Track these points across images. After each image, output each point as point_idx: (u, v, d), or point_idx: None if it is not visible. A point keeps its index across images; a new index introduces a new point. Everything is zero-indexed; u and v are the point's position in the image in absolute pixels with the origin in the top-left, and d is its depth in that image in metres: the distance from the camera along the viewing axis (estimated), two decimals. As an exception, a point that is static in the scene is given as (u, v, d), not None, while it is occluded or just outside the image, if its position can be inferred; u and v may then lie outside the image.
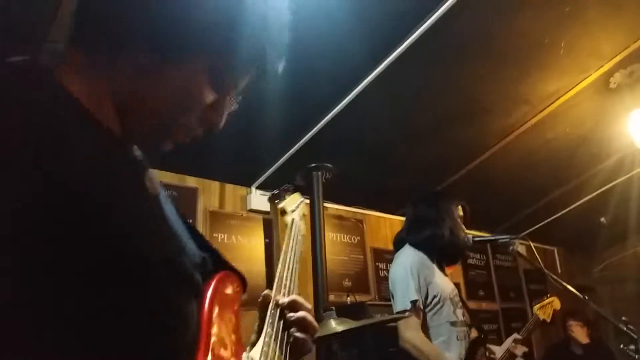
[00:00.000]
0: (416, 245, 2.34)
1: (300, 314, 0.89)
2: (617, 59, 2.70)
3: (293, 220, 1.35)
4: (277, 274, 0.99)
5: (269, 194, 3.25)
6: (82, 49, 0.66)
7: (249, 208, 3.17)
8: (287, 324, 0.88)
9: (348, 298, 3.32)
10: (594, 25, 2.41)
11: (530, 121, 3.09)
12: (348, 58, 2.27)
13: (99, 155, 0.61)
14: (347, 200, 3.63)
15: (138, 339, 0.58)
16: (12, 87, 0.57)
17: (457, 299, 2.31)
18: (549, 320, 2.81)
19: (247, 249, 3.06)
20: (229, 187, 3.17)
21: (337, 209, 3.67)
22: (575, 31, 2.42)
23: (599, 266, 5.42)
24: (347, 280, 3.52)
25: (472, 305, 4.40)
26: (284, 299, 0.91)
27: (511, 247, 2.37)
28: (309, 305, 0.92)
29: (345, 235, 3.67)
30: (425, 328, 2.20)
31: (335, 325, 1.80)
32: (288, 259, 1.09)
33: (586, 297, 2.36)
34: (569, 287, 2.32)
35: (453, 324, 2.23)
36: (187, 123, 0.72)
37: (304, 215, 1.50)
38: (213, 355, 0.68)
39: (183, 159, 2.77)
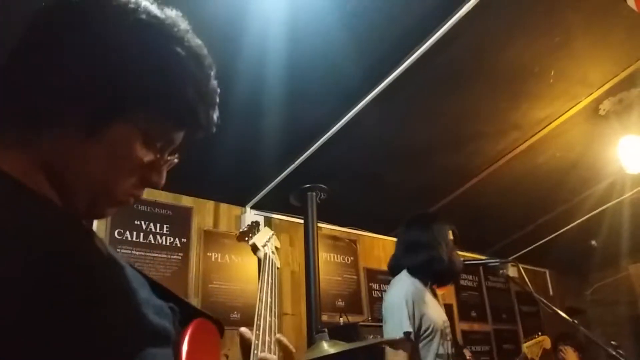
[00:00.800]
0: (412, 270, 2.30)
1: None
2: (606, 86, 2.76)
3: (266, 254, 1.35)
4: (256, 313, 1.00)
5: (264, 214, 3.27)
6: (7, 125, 0.63)
7: (243, 228, 3.19)
8: None
9: (341, 319, 3.33)
10: (583, 54, 2.48)
11: (521, 146, 3.14)
12: (342, 82, 2.32)
13: (47, 227, 0.57)
14: (340, 220, 3.66)
15: None
16: None
17: (447, 330, 2.27)
18: (536, 359, 2.79)
19: (240, 268, 3.07)
20: (223, 206, 3.19)
21: (330, 229, 3.69)
22: (565, 60, 2.48)
23: (591, 289, 5.45)
24: (340, 300, 3.52)
25: (464, 326, 4.42)
26: (262, 355, 0.91)
27: (502, 271, 2.40)
28: (292, 349, 0.93)
29: (338, 256, 3.68)
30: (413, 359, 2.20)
31: (327, 347, 1.81)
32: (265, 296, 1.09)
33: (576, 322, 2.38)
34: (559, 312, 2.35)
35: (440, 356, 2.19)
36: (126, 187, 0.69)
37: (276, 248, 1.50)
38: None
39: (178, 179, 2.78)
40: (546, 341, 2.83)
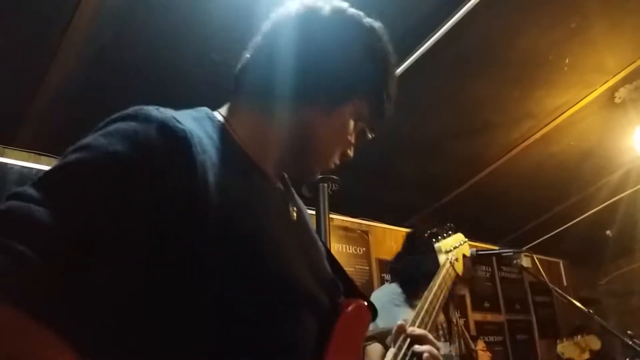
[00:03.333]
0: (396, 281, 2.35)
1: (426, 347, 0.93)
2: (622, 74, 2.72)
3: (446, 260, 1.35)
4: (417, 308, 1.03)
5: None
6: (255, 101, 0.79)
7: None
8: (413, 355, 0.93)
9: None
10: (599, 41, 2.43)
11: (535, 135, 3.10)
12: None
13: (246, 187, 0.71)
14: (352, 211, 3.65)
15: (260, 354, 0.63)
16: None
17: (442, 331, 2.27)
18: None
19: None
20: (235, 198, 3.20)
21: (342, 220, 3.69)
22: (580, 47, 2.44)
23: (605, 279, 5.40)
24: (352, 291, 3.53)
25: (477, 317, 4.41)
26: (414, 330, 0.96)
27: (515, 261, 2.37)
28: (438, 345, 0.98)
29: (350, 247, 3.68)
30: None
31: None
32: (431, 297, 1.11)
33: (590, 311, 2.36)
34: (574, 301, 2.32)
35: None
36: (335, 157, 0.85)
37: (464, 255, 1.47)
38: None
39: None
40: (593, 341, 2.67)
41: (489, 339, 4.33)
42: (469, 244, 2.42)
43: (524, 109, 2.85)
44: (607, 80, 2.75)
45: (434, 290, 1.14)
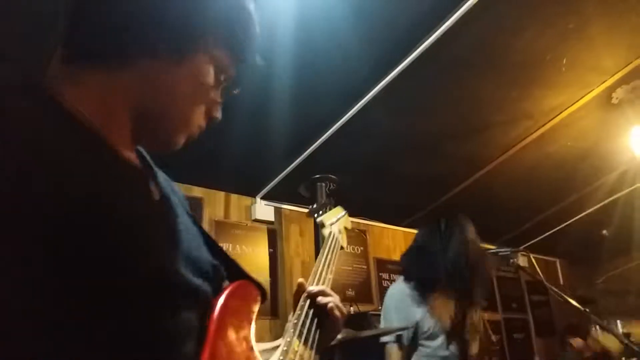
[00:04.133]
0: (407, 277, 2.32)
1: (329, 298, 0.97)
2: (620, 74, 2.72)
3: (331, 232, 1.37)
4: (308, 285, 1.03)
5: (273, 204, 3.28)
6: (89, 59, 0.66)
7: (253, 218, 3.20)
8: (317, 310, 0.96)
9: (351, 308, 3.34)
10: (596, 41, 2.44)
11: (533, 135, 3.11)
12: (352, 72, 2.31)
13: (87, 165, 0.59)
14: (350, 210, 3.65)
15: (134, 353, 0.56)
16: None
17: (456, 332, 2.25)
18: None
19: (251, 258, 3.08)
20: (234, 197, 3.20)
21: (340, 219, 3.69)
22: (577, 47, 2.44)
23: (602, 278, 5.42)
24: (350, 290, 3.53)
25: (474, 316, 4.41)
26: (313, 287, 0.99)
27: (512, 260, 2.38)
28: (337, 296, 1.00)
29: (348, 246, 3.68)
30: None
31: (338, 335, 1.82)
32: (319, 270, 1.13)
33: (587, 310, 2.37)
34: (571, 300, 2.33)
35: (445, 358, 2.18)
36: (198, 116, 0.74)
37: (345, 228, 1.51)
38: None
39: (189, 170, 2.80)
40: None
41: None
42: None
43: (522, 109, 2.86)
44: (605, 81, 2.75)
45: (322, 260, 1.16)
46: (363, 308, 3.35)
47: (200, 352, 0.64)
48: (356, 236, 3.78)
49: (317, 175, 2.75)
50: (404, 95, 2.52)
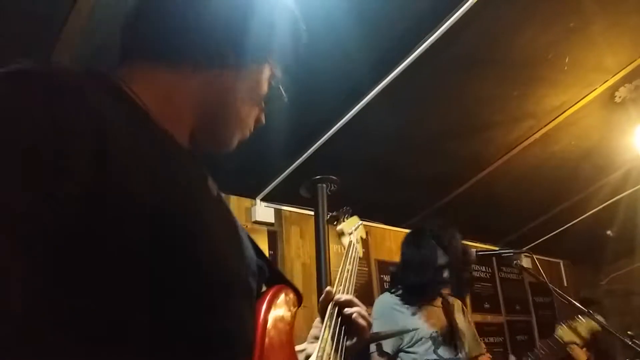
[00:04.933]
0: (390, 290, 2.39)
1: (355, 308, 1.02)
2: (622, 73, 2.70)
3: (351, 242, 1.38)
4: (335, 283, 1.09)
5: (274, 205, 3.26)
6: (162, 62, 0.69)
7: (253, 220, 3.18)
8: (344, 319, 1.01)
9: (352, 310, 3.32)
10: (598, 40, 2.42)
11: (535, 135, 3.09)
12: (352, 72, 2.29)
13: (161, 160, 0.60)
14: (351, 212, 3.63)
15: (199, 345, 0.57)
16: (83, 94, 0.55)
17: (444, 337, 2.28)
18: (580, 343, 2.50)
19: (251, 260, 3.06)
20: (233, 199, 3.18)
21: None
22: (579, 46, 2.43)
23: (606, 279, 5.38)
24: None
25: (477, 318, 4.39)
26: (341, 296, 1.04)
27: (515, 261, 2.36)
28: (363, 305, 1.05)
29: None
30: None
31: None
32: (344, 278, 1.16)
33: (591, 312, 2.35)
34: (574, 302, 2.31)
35: None
36: (251, 121, 0.80)
37: (361, 237, 1.53)
38: None
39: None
40: (593, 324, 2.47)
41: (489, 339, 4.31)
42: (474, 246, 2.44)
43: (524, 108, 2.84)
44: (607, 80, 2.73)
45: (345, 269, 1.20)
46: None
47: (250, 353, 0.66)
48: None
49: (318, 177, 2.73)
50: (406, 95, 2.50)
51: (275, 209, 3.29)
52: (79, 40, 1.84)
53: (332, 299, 1.03)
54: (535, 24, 2.24)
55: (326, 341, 0.93)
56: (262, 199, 3.22)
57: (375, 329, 2.26)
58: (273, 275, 0.82)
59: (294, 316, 0.82)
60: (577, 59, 2.51)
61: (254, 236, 2.90)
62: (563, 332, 2.58)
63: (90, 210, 0.49)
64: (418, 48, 2.17)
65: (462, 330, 2.37)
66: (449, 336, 2.29)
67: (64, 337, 0.48)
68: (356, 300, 1.04)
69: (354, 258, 1.30)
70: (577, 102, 2.85)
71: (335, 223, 1.54)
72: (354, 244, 1.38)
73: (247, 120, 0.79)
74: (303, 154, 2.81)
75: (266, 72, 0.78)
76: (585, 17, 2.24)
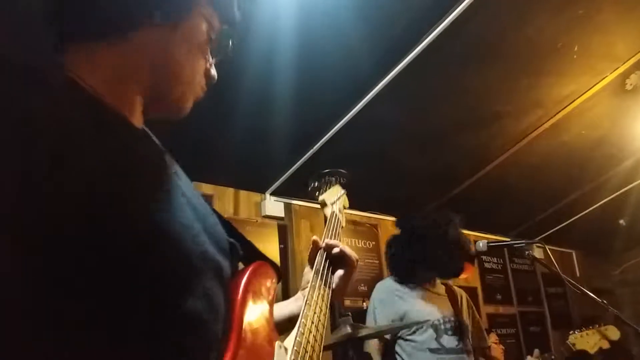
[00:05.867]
0: (391, 272, 2.44)
1: (341, 246, 1.13)
2: (633, 60, 2.66)
3: (333, 212, 1.37)
4: (314, 266, 1.11)
5: (283, 200, 3.27)
6: (89, 38, 0.66)
7: (263, 214, 3.19)
8: (332, 258, 1.12)
9: (364, 303, 3.32)
10: (608, 27, 2.39)
11: (545, 124, 3.06)
12: (358, 65, 2.28)
13: (113, 147, 0.60)
14: (361, 205, 3.64)
15: (168, 331, 0.57)
16: (20, 84, 0.55)
17: (449, 325, 2.28)
18: (591, 352, 2.52)
19: (262, 255, 3.08)
20: (243, 193, 3.19)
21: (351, 214, 3.67)
22: (589, 34, 2.40)
23: (619, 269, 5.35)
24: (362, 285, 3.52)
25: (489, 309, 4.38)
26: (327, 241, 1.15)
27: (527, 252, 2.35)
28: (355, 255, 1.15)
29: (360, 241, 3.67)
30: (403, 354, 2.24)
31: (351, 330, 1.81)
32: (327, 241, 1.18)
33: (604, 301, 2.33)
34: (588, 292, 2.30)
35: (434, 351, 2.21)
36: (201, 75, 0.77)
37: (344, 207, 1.52)
38: (246, 343, 0.67)
39: (198, 166, 2.80)
40: (611, 331, 2.53)
41: (501, 331, 4.30)
42: (485, 237, 2.43)
43: (533, 98, 2.82)
44: (618, 67, 2.70)
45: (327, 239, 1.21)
46: (376, 303, 3.33)
47: (228, 331, 0.66)
48: (367, 231, 3.76)
49: (327, 170, 2.73)
50: (412, 88, 2.49)
51: (285, 203, 3.30)
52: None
53: (318, 247, 1.14)
54: (544, 13, 2.22)
55: (317, 280, 1.01)
56: (272, 194, 3.23)
57: (377, 314, 2.28)
58: (249, 253, 0.82)
59: (274, 291, 0.83)
60: (587, 47, 2.48)
61: (264, 230, 2.93)
62: (576, 339, 2.55)
63: (43, 200, 0.49)
64: (424, 40, 2.16)
65: (466, 322, 2.37)
66: (453, 325, 2.30)
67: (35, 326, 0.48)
68: (341, 244, 1.14)
69: (336, 227, 1.29)
70: (587, 90, 2.82)
71: (317, 194, 1.53)
72: (336, 214, 1.36)
73: (195, 76, 0.75)
74: (311, 149, 2.82)
75: (200, 22, 0.74)
76: (594, 4, 2.21)
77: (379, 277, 3.66)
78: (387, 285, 2.39)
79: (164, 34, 0.70)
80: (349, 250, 1.13)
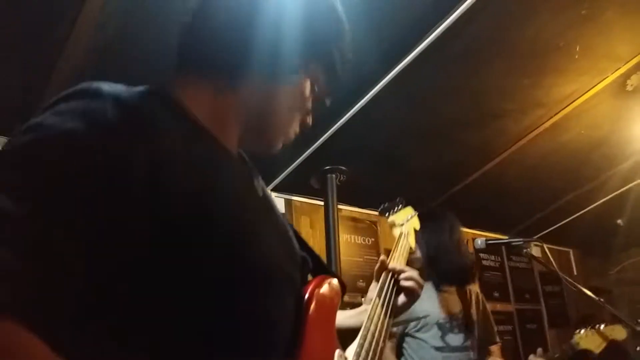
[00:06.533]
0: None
1: (408, 273, 1.17)
2: (634, 61, 2.67)
3: (401, 233, 1.40)
4: (379, 286, 1.14)
5: (284, 196, 3.28)
6: (205, 77, 0.74)
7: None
8: (396, 283, 1.16)
9: (362, 299, 3.34)
10: (611, 27, 2.39)
11: (545, 124, 3.07)
12: (360, 62, 2.27)
13: (211, 166, 0.67)
14: (361, 202, 3.65)
15: (241, 335, 0.62)
16: (141, 106, 0.62)
17: (454, 323, 2.29)
18: (597, 351, 2.49)
19: (262, 250, 3.09)
20: (244, 189, 3.20)
21: (351, 210, 3.69)
22: (591, 33, 2.40)
23: (616, 268, 5.37)
24: (361, 281, 3.53)
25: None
26: (395, 265, 1.19)
27: (525, 250, 2.36)
28: (416, 271, 1.19)
29: (359, 237, 3.69)
30: (410, 351, 2.25)
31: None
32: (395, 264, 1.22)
33: (601, 300, 2.34)
34: (584, 290, 2.31)
35: (439, 349, 2.22)
36: (294, 125, 0.84)
37: (414, 229, 1.54)
38: (310, 350, 0.71)
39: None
40: (617, 331, 2.49)
41: (498, 328, 4.31)
42: (484, 235, 2.44)
43: (534, 97, 2.82)
44: (619, 68, 2.70)
45: (394, 259, 1.26)
46: (374, 299, 3.34)
47: (297, 340, 0.71)
48: (367, 227, 3.78)
49: (328, 167, 2.74)
50: (415, 86, 2.50)
51: (285, 199, 3.31)
52: (92, 33, 1.85)
53: (386, 268, 1.17)
54: (547, 12, 2.22)
55: (380, 299, 1.05)
56: (273, 189, 3.24)
57: None
58: (317, 267, 0.88)
59: (337, 303, 0.87)
60: (589, 47, 2.48)
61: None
62: (581, 339, 2.52)
63: (147, 213, 0.55)
64: (427, 38, 2.16)
65: (474, 319, 2.38)
66: (460, 323, 2.30)
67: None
68: (408, 268, 1.19)
69: (404, 248, 1.34)
70: (588, 90, 2.83)
71: (387, 215, 1.56)
72: (404, 235, 1.41)
73: (290, 126, 0.83)
74: (313, 145, 2.82)
75: (307, 80, 0.81)
76: (596, 4, 2.21)
77: (378, 274, 3.68)
78: None
79: (270, 90, 0.76)
80: (413, 284, 1.16)
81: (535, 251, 3.63)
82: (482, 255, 4.54)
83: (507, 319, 4.56)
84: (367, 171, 3.06)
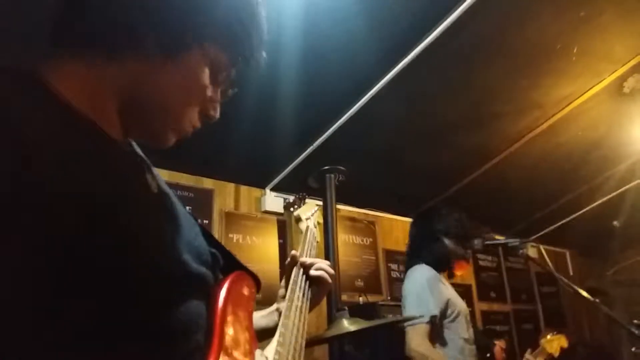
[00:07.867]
0: (428, 263, 2.40)
1: (319, 265, 1.15)
2: (631, 63, 2.69)
3: (308, 227, 1.41)
4: (292, 278, 1.12)
5: (283, 195, 3.30)
6: (76, 50, 0.63)
7: (263, 209, 3.22)
8: (309, 277, 1.13)
9: (360, 298, 3.36)
10: (608, 30, 2.41)
11: (542, 125, 3.09)
12: (360, 62, 2.30)
13: (85, 156, 0.58)
14: (359, 202, 3.66)
15: (148, 342, 0.57)
16: None
17: (469, 318, 2.36)
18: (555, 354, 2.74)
19: (261, 249, 3.10)
20: (243, 188, 3.22)
21: (349, 210, 3.70)
22: (589, 35, 2.42)
23: (612, 269, 5.39)
24: (359, 280, 3.55)
25: (483, 306, 4.42)
26: (305, 259, 1.16)
27: (521, 251, 2.38)
28: (325, 261, 1.17)
29: (357, 237, 3.70)
30: (442, 341, 2.25)
31: (347, 325, 1.84)
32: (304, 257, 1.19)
33: (597, 301, 2.36)
34: (580, 291, 2.33)
35: (466, 340, 2.27)
36: (191, 116, 0.73)
37: (318, 222, 1.55)
38: (226, 354, 0.67)
39: (199, 161, 2.82)
40: (563, 340, 2.78)
41: (495, 328, 4.35)
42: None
43: (531, 98, 2.84)
44: (616, 70, 2.72)
45: (304, 253, 1.26)
46: (372, 298, 3.36)
47: (208, 341, 0.66)
48: (365, 227, 3.79)
49: (326, 167, 2.75)
50: (413, 86, 2.51)
51: (284, 198, 3.32)
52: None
53: (296, 262, 1.15)
54: (545, 14, 2.24)
55: (295, 293, 1.03)
56: (272, 189, 3.26)
57: (425, 299, 2.26)
58: (229, 263, 0.81)
59: (252, 300, 0.83)
60: (586, 49, 2.50)
61: (263, 225, 2.95)
62: (547, 343, 2.76)
63: (16, 212, 0.48)
64: (426, 38, 2.18)
65: None
66: (470, 318, 2.38)
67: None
68: (320, 260, 1.16)
69: (311, 242, 1.33)
70: (585, 92, 2.85)
71: (292, 209, 1.58)
72: (310, 229, 1.41)
73: (184, 116, 0.71)
74: (311, 145, 2.84)
75: (202, 65, 0.70)
76: (594, 7, 2.23)
77: (376, 274, 3.70)
78: (429, 272, 2.34)
79: (155, 66, 0.66)
80: (324, 274, 1.14)
81: (531, 252, 3.66)
82: (479, 255, 4.56)
83: (504, 319, 4.58)
84: (366, 171, 3.07)
